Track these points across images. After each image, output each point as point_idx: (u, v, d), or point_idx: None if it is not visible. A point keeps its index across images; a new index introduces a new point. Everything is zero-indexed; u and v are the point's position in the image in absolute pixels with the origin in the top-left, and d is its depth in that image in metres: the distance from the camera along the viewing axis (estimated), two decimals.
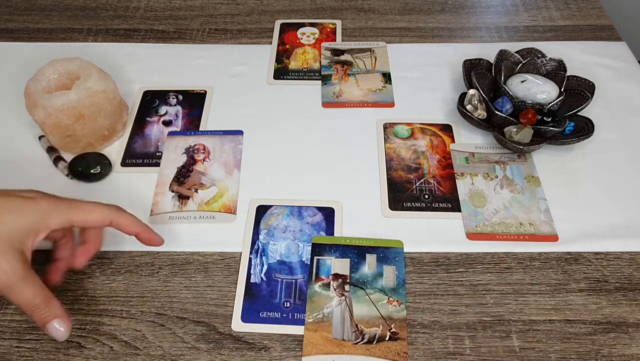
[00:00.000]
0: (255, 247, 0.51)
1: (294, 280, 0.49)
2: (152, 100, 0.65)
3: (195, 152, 0.59)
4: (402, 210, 0.54)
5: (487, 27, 0.76)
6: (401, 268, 0.50)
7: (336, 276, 0.49)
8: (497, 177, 0.57)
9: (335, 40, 0.74)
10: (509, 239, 0.52)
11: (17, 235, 0.40)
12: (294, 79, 0.68)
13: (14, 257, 0.39)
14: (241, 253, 0.51)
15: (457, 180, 0.56)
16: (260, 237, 0.52)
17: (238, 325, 0.46)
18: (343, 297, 0.48)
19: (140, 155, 0.59)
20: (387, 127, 0.62)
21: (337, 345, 0.45)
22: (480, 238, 0.52)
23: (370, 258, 0.50)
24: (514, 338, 0.45)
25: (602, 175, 0.57)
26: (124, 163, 0.59)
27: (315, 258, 0.50)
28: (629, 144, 0.60)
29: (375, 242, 0.51)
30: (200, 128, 0.62)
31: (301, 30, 0.75)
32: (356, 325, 0.46)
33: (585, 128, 0.58)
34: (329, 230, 0.52)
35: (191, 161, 0.59)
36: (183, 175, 0.57)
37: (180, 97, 0.66)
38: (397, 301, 0.47)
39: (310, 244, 0.51)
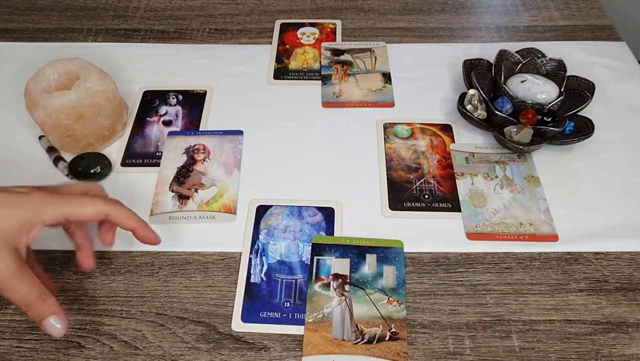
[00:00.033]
0: (255, 247, 0.51)
1: (294, 280, 0.49)
2: (152, 100, 0.65)
3: (195, 152, 0.59)
4: (402, 210, 0.54)
5: (487, 27, 0.76)
6: (401, 268, 0.50)
7: (336, 276, 0.49)
8: (497, 177, 0.57)
9: (335, 40, 0.74)
10: (509, 239, 0.52)
11: (10, 231, 0.39)
12: (294, 79, 0.68)
13: (8, 253, 0.39)
14: (241, 253, 0.51)
15: (457, 180, 0.56)
16: (260, 237, 0.52)
17: (238, 325, 0.46)
18: (343, 297, 0.48)
19: (140, 155, 0.59)
20: (387, 127, 0.62)
21: (337, 345, 0.45)
22: (480, 238, 0.52)
23: (370, 258, 0.50)
24: (514, 338, 0.45)
25: (602, 175, 0.57)
26: (124, 163, 0.59)
27: (315, 258, 0.50)
28: (629, 144, 0.60)
29: (375, 242, 0.51)
30: (200, 128, 0.62)
31: (301, 30, 0.75)
32: (356, 325, 0.46)
33: (585, 128, 0.58)
34: (329, 230, 0.52)
35: (191, 161, 0.59)
36: (183, 175, 0.57)
37: (180, 97, 0.66)
38: (397, 301, 0.47)
39: (310, 244, 0.51)
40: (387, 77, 0.68)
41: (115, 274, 0.50)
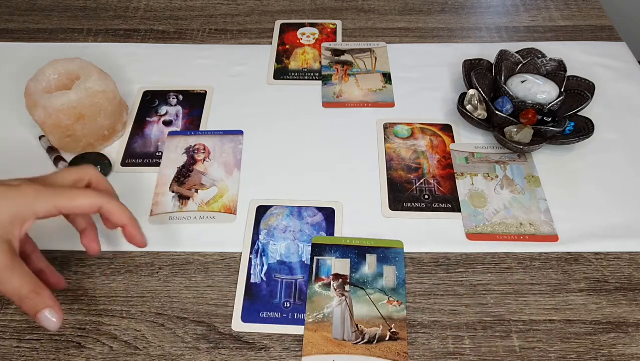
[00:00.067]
0: (255, 247, 0.51)
1: (294, 280, 0.49)
2: (152, 100, 0.65)
3: (195, 152, 0.59)
4: (402, 210, 0.54)
5: (487, 27, 0.76)
6: (401, 268, 0.50)
7: (336, 276, 0.49)
8: (497, 177, 0.57)
9: (335, 40, 0.74)
10: (509, 239, 0.52)
11: (1, 224, 0.39)
12: (294, 79, 0.68)
13: (0, 246, 0.38)
14: (241, 253, 0.51)
15: (457, 180, 0.56)
16: (260, 237, 0.52)
17: (238, 325, 0.46)
18: (343, 297, 0.48)
19: (140, 155, 0.59)
20: (387, 127, 0.62)
21: (337, 345, 0.45)
22: (480, 238, 0.52)
23: (370, 258, 0.50)
24: (514, 338, 0.45)
25: (602, 175, 0.57)
26: (124, 163, 0.59)
27: (315, 258, 0.50)
28: (629, 144, 0.60)
29: (375, 242, 0.51)
30: (200, 128, 0.62)
31: (301, 30, 0.75)
32: (356, 325, 0.46)
33: (585, 128, 0.58)
34: (329, 230, 0.52)
35: (191, 161, 0.59)
36: (183, 175, 0.57)
37: (180, 97, 0.66)
38: (397, 301, 0.47)
39: (310, 244, 0.51)
40: (387, 77, 0.68)
41: (115, 274, 0.50)
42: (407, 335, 0.45)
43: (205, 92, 0.66)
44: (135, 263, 0.51)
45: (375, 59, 0.71)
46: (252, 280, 0.49)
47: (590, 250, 0.51)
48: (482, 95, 0.60)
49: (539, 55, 0.64)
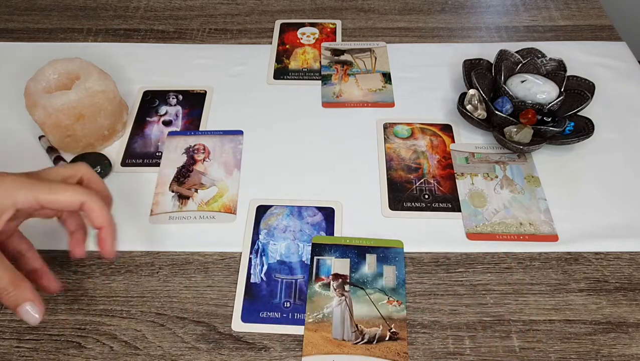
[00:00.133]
0: (255, 247, 0.51)
1: (294, 280, 0.49)
2: (152, 100, 0.65)
3: (195, 152, 0.59)
4: (402, 210, 0.54)
5: (487, 27, 0.76)
6: (401, 268, 0.50)
7: (336, 276, 0.49)
8: (497, 177, 0.57)
9: (335, 40, 0.74)
10: (509, 239, 0.52)
11: None
12: (294, 79, 0.68)
13: None
14: (241, 253, 0.51)
15: (457, 180, 0.56)
16: (260, 237, 0.52)
17: (238, 325, 0.46)
18: (343, 297, 0.48)
19: (140, 155, 0.59)
20: (387, 127, 0.62)
21: (337, 345, 0.45)
22: (480, 238, 0.52)
23: (370, 258, 0.50)
24: (514, 338, 0.45)
25: (602, 175, 0.57)
26: (124, 163, 0.59)
27: (315, 258, 0.50)
28: (629, 144, 0.60)
29: (375, 242, 0.51)
30: (200, 128, 0.62)
31: (301, 30, 0.75)
32: (356, 325, 0.46)
33: (585, 128, 0.58)
34: (329, 230, 0.52)
35: (191, 161, 0.59)
36: (183, 175, 0.57)
37: (180, 97, 0.66)
38: (397, 301, 0.47)
39: (310, 244, 0.51)
40: (387, 77, 0.68)
41: (115, 274, 0.50)
42: (407, 335, 0.45)
43: (205, 92, 0.66)
44: (135, 263, 0.51)
45: (375, 59, 0.71)
46: (252, 280, 0.49)
47: (590, 250, 0.51)
48: (482, 95, 0.60)
49: (539, 55, 0.64)
